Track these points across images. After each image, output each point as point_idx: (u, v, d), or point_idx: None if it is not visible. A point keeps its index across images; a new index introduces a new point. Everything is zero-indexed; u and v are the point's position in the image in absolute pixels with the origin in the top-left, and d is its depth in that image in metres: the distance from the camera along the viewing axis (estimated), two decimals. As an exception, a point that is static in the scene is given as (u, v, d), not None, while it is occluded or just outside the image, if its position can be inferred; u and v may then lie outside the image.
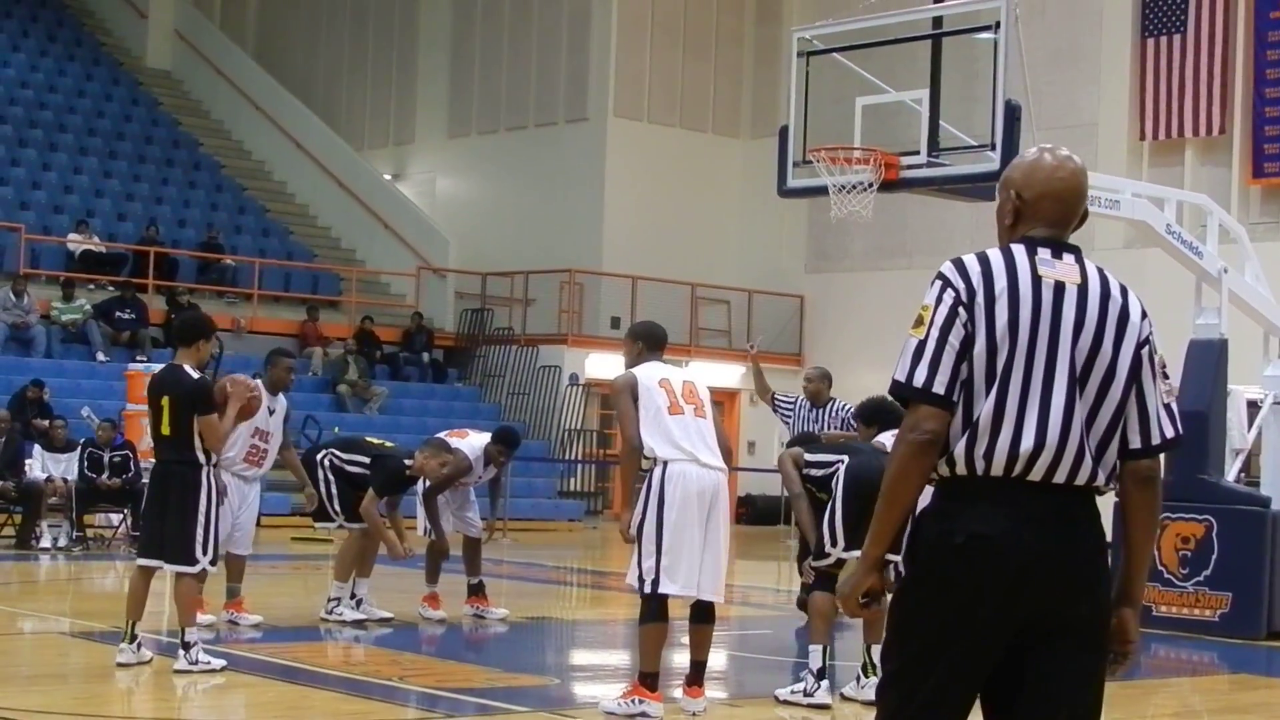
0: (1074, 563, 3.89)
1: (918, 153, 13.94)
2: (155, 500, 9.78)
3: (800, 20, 24.17)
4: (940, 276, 3.96)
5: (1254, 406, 15.69)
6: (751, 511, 28.63)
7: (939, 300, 3.92)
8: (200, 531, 9.48)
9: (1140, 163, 25.93)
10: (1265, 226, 24.18)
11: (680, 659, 9.50)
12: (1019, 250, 3.98)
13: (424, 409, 27.03)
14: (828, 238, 28.83)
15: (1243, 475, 15.65)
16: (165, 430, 9.54)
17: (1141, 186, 16.34)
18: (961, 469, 3.91)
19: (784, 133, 14.47)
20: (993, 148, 13.10)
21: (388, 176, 33.79)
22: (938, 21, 14.27)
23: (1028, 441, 3.86)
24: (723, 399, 28.13)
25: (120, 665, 9.52)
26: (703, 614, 8.85)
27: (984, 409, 3.88)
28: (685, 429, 8.65)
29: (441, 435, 12.83)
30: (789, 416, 14.00)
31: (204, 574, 9.88)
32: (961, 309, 3.90)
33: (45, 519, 18.09)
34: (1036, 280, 3.93)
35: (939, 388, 3.87)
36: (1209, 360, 14.08)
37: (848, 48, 14.48)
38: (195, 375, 9.62)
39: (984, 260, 3.96)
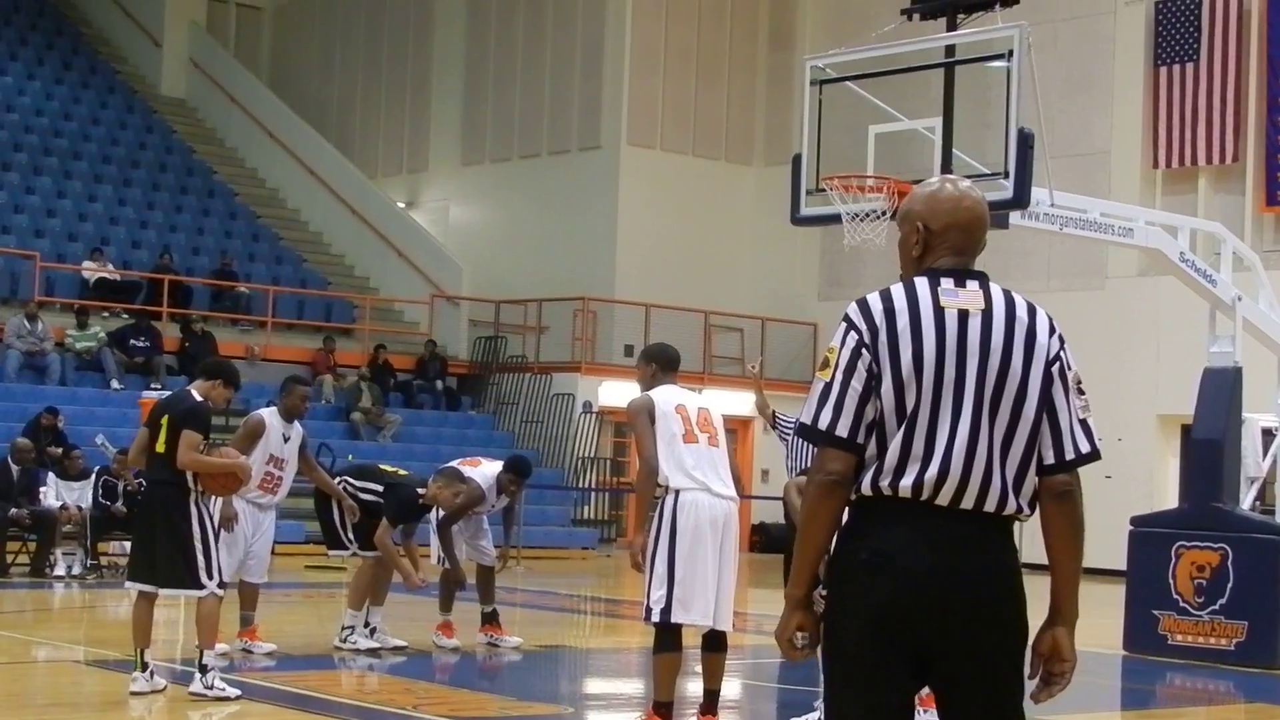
0: (979, 585, 3.89)
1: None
2: (144, 523, 9.82)
3: (813, 48, 24.24)
4: (845, 318, 3.99)
5: (1269, 434, 15.65)
6: (765, 540, 28.57)
7: (843, 343, 3.96)
8: (200, 557, 9.47)
9: (1153, 191, 25.94)
10: (1279, 254, 24.15)
11: (694, 688, 9.48)
12: (921, 283, 4.00)
13: (437, 437, 27.04)
14: (841, 265, 28.82)
15: (1258, 503, 15.60)
16: (160, 448, 9.58)
17: (1155, 214, 16.35)
18: (868, 491, 3.94)
19: (797, 161, 14.46)
20: (1006, 176, 13.08)
21: (401, 204, 33.85)
22: (950, 50, 14.26)
23: (931, 470, 3.89)
24: (736, 426, 28.10)
25: (134, 694, 9.52)
26: (716, 643, 8.84)
27: (894, 442, 3.91)
28: (698, 457, 8.65)
29: (454, 464, 12.79)
30: (788, 434, 14.22)
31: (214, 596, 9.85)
32: (865, 350, 3.93)
33: (59, 547, 18.07)
34: (939, 312, 3.95)
35: (842, 431, 3.91)
36: (1223, 388, 14.04)
37: (861, 76, 14.47)
38: (199, 400, 9.66)
39: (886, 297, 3.98)
